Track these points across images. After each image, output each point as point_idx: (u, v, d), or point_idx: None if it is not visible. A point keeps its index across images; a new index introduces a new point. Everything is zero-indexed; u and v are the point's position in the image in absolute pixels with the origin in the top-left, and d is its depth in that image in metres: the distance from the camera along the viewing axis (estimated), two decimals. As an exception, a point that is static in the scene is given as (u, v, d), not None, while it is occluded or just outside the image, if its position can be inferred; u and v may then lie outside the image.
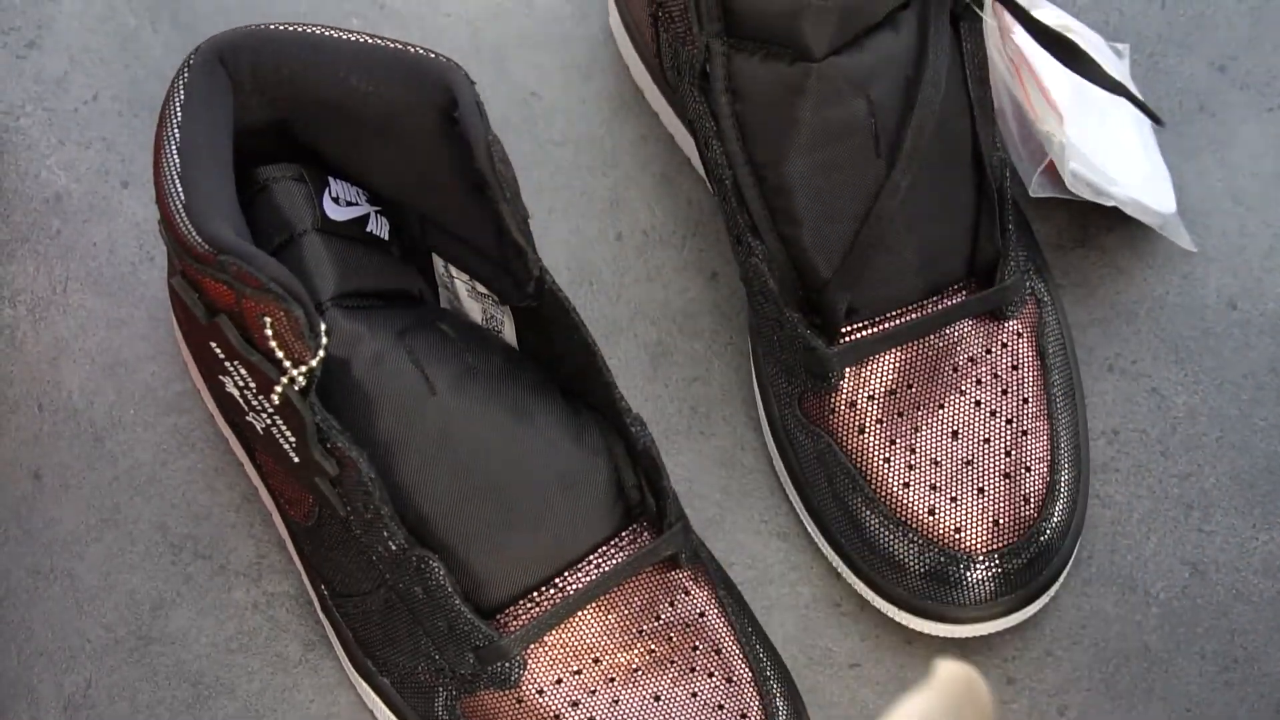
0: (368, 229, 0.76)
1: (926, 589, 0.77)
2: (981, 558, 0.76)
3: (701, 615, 0.75)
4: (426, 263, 0.78)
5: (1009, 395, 0.79)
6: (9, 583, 0.81)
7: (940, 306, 0.78)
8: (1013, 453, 0.78)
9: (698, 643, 0.75)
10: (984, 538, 0.76)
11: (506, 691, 0.73)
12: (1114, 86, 0.80)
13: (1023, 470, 0.78)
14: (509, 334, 0.77)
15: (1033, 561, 0.76)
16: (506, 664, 0.72)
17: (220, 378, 0.72)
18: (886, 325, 0.78)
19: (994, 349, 0.79)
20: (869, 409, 0.78)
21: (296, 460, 0.72)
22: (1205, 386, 0.85)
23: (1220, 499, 0.83)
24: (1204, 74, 0.89)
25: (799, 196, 0.76)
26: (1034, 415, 0.79)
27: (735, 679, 0.74)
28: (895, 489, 0.77)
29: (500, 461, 0.73)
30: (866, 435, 0.78)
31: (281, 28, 0.74)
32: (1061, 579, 0.78)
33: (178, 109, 0.72)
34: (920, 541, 0.76)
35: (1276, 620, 0.80)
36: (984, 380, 0.78)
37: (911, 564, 0.77)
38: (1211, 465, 0.83)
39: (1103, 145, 0.83)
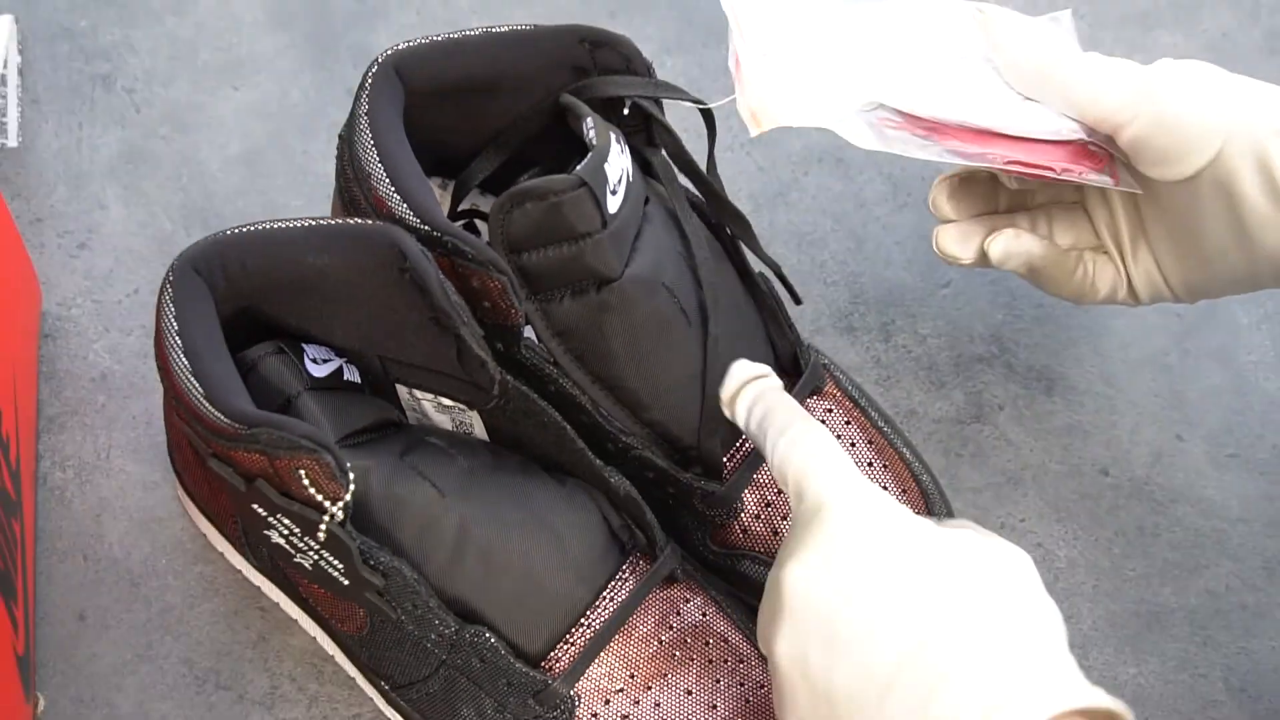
0: (345, 378, 0.79)
1: None
2: None
3: (704, 616, 0.80)
4: (393, 393, 0.81)
5: (856, 447, 0.83)
6: (56, 710, 0.83)
7: None
8: (887, 487, 0.82)
9: (708, 638, 0.79)
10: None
11: None
12: (769, 263, 0.84)
13: (899, 493, 0.82)
14: (479, 433, 0.81)
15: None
16: (564, 701, 0.77)
17: (265, 532, 0.76)
18: (749, 444, 0.82)
19: (827, 420, 0.84)
20: (769, 513, 0.82)
21: (347, 583, 0.75)
22: (1083, 542, 0.89)
23: (1096, 639, 0.86)
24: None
25: (645, 388, 0.80)
26: (880, 448, 0.83)
27: (745, 658, 0.79)
28: None
29: (513, 538, 0.77)
30: (782, 533, 0.82)
31: (240, 230, 0.76)
32: None
33: (172, 320, 0.75)
34: None
35: (1147, 748, 0.83)
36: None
37: None
38: (1089, 609, 0.87)
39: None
